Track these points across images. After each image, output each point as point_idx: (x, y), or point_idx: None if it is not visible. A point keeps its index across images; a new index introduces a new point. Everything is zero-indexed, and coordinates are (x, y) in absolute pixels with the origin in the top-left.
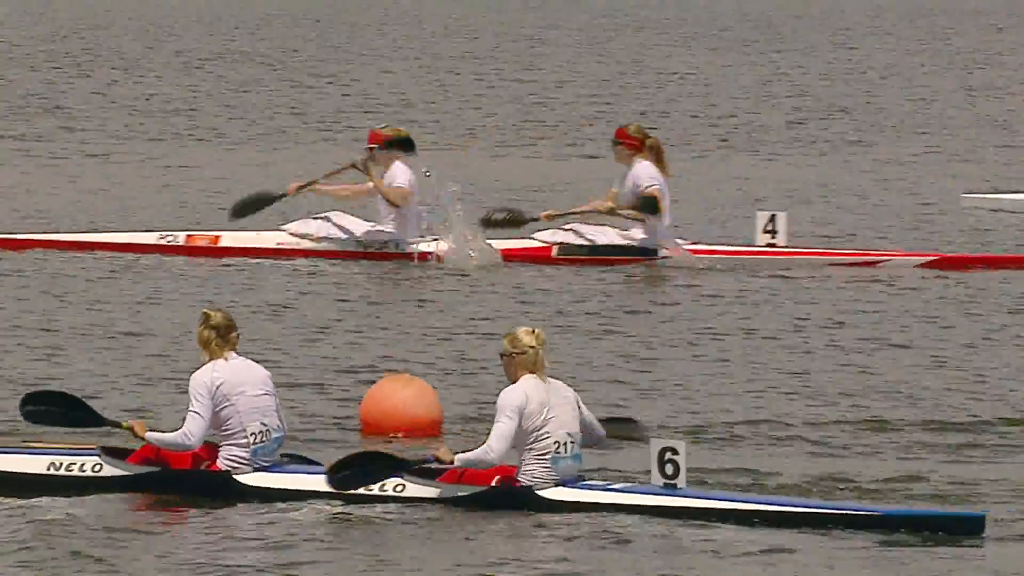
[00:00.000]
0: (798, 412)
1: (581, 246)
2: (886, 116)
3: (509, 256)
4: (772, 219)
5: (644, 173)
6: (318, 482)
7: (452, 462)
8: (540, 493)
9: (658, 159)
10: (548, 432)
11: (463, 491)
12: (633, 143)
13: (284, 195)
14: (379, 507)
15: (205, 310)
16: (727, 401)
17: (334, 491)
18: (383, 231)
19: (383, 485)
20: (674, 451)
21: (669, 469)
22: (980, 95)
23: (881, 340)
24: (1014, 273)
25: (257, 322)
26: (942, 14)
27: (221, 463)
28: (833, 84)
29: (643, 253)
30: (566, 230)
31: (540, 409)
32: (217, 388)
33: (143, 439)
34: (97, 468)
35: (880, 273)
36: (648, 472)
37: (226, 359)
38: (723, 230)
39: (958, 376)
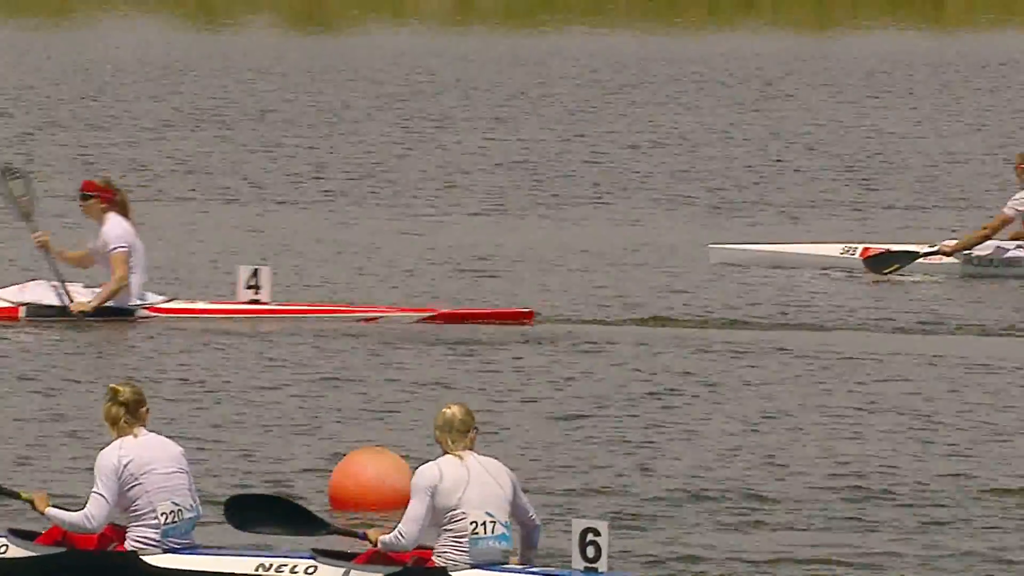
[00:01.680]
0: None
1: (50, 306)
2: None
3: None
4: (255, 274)
5: (113, 233)
6: (229, 564)
7: (377, 544)
8: (455, 575)
9: (124, 212)
10: (464, 512)
11: (377, 571)
12: (107, 196)
13: None
14: None
15: (113, 385)
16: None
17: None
18: None
19: (295, 566)
20: (596, 532)
21: (591, 551)
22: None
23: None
24: (507, 328)
25: None
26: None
27: (129, 544)
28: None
29: (119, 313)
30: (31, 290)
31: (455, 487)
32: (124, 467)
33: (42, 514)
34: (2, 550)
35: (377, 328)
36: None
37: (135, 436)
38: (206, 286)
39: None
